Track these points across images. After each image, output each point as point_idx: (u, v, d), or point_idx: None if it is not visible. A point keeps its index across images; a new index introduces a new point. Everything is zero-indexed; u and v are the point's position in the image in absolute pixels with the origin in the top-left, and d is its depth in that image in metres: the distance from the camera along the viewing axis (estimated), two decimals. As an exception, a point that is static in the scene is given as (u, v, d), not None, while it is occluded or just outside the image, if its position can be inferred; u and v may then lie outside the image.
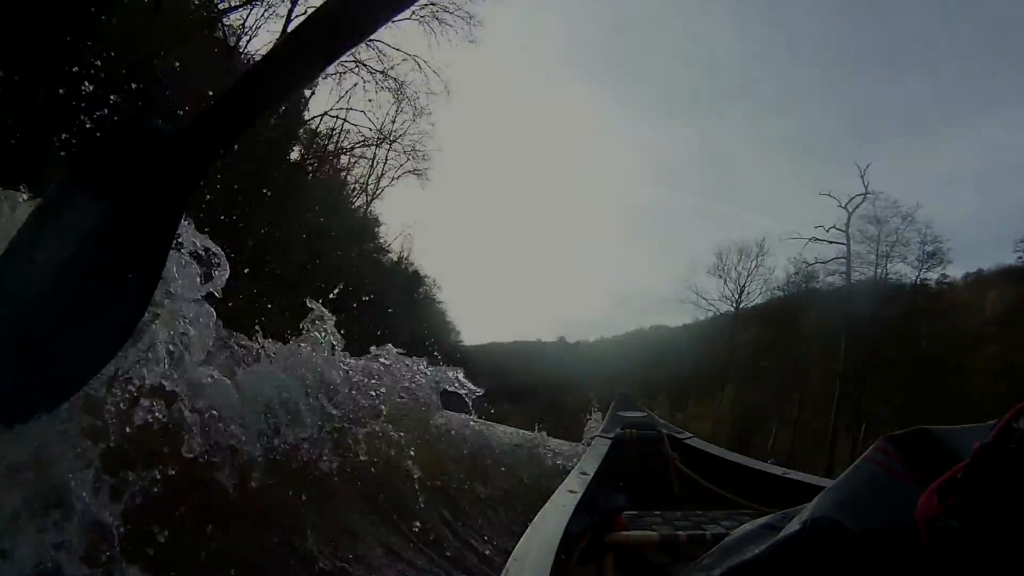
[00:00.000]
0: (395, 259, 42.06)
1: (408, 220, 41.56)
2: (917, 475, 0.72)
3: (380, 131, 32.88)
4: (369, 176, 35.66)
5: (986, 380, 26.68)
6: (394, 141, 34.09)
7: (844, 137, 73.14)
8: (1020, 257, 29.13)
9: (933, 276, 31.83)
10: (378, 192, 36.26)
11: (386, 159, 35.30)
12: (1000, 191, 60.41)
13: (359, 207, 35.99)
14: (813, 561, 0.70)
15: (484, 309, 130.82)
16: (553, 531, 1.32)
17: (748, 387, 36.85)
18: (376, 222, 38.69)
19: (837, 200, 33.88)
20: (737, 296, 42.78)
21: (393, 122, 33.64)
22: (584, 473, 1.95)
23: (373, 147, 33.93)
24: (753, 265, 42.66)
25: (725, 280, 43.20)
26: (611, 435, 2.59)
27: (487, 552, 2.80)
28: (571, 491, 1.67)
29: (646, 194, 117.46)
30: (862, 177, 33.51)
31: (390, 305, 32.20)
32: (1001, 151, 52.42)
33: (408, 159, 35.27)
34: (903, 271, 32.50)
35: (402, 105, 32.23)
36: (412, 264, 44.24)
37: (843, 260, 33.79)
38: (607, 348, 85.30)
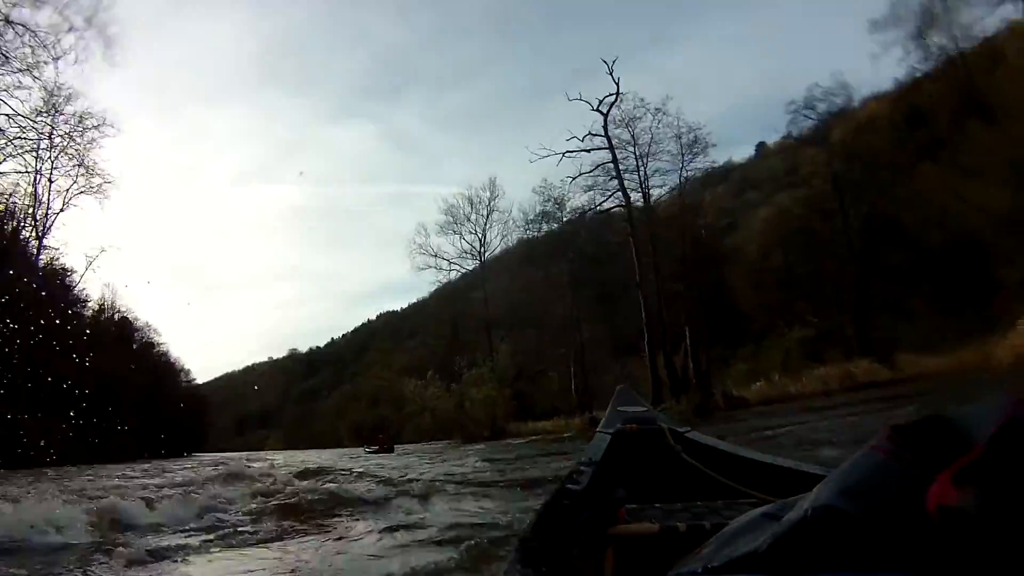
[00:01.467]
0: (96, 309, 36.60)
1: (93, 248, 34.20)
2: (928, 462, 0.67)
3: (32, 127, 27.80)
4: (32, 207, 29.52)
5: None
6: (58, 151, 29.23)
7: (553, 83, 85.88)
8: (791, 121, 27.94)
9: (699, 166, 30.41)
10: (48, 224, 30.08)
11: (51, 178, 29.68)
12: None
13: (24, 248, 29.51)
14: (815, 549, 0.67)
15: (209, 341, 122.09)
16: (555, 525, 1.39)
17: (521, 338, 35.29)
18: (58, 270, 32.15)
19: (589, 104, 30.73)
20: (480, 247, 40.31)
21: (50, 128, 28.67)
22: (585, 467, 2.00)
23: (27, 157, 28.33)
24: (487, 211, 40.25)
25: (460, 236, 40.44)
26: (611, 430, 2.60)
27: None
28: (572, 485, 1.72)
29: (343, 194, 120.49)
30: (611, 74, 30.39)
31: (103, 368, 29.15)
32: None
33: (80, 174, 30.15)
34: (664, 167, 30.50)
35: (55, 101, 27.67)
36: (116, 310, 38.57)
37: (608, 165, 30.97)
38: (343, 346, 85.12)
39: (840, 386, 16.24)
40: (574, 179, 31.63)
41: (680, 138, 29.78)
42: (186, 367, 48.52)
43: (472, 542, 3.33)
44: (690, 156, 29.82)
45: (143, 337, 41.08)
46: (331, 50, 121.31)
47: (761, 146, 43.27)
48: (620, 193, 30.81)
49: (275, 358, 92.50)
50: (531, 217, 36.69)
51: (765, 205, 30.92)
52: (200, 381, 55.44)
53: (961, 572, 0.58)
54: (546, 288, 34.01)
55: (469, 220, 40.47)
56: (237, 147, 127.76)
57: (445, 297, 44.47)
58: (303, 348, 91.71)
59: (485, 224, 40.25)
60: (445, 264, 40.75)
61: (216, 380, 75.72)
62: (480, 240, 40.38)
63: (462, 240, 40.53)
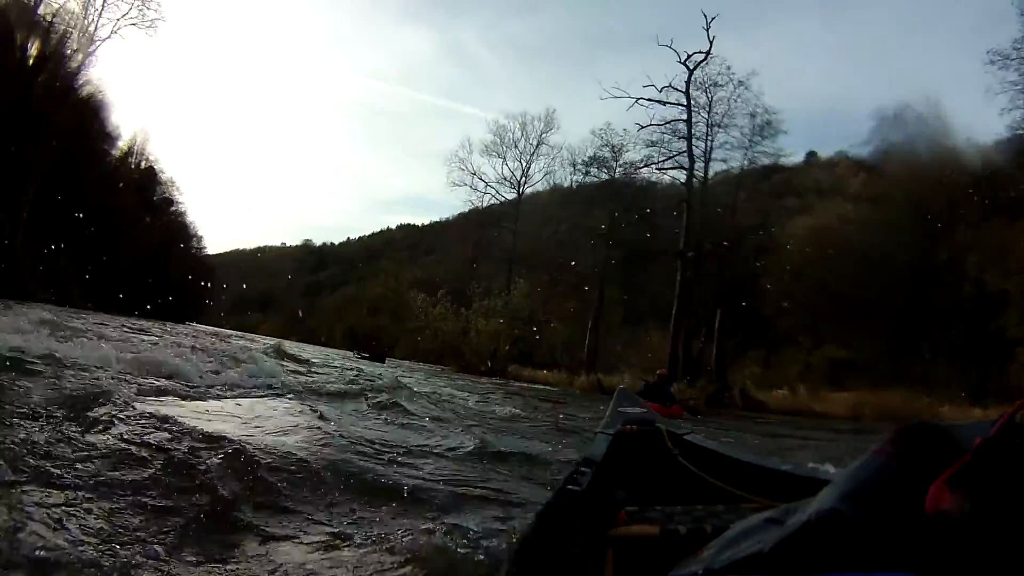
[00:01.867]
0: (122, 151, 35.60)
1: (135, 91, 34.70)
2: (926, 468, 0.71)
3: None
4: (77, 31, 27.05)
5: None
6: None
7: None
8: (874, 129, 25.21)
9: (766, 150, 28.51)
10: (90, 51, 27.78)
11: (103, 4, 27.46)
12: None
13: (68, 75, 27.50)
14: (820, 552, 0.69)
15: (226, 212, 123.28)
16: (554, 526, 1.36)
17: (539, 281, 33.02)
18: (94, 100, 30.67)
19: (678, 54, 28.23)
20: (521, 177, 37.89)
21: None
22: (585, 469, 1.98)
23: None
24: (536, 142, 37.40)
25: (504, 160, 38.10)
26: (612, 431, 2.62)
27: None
28: (572, 487, 1.70)
29: (390, 95, 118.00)
30: (707, 29, 27.73)
31: (118, 215, 28.76)
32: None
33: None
34: (732, 142, 28.40)
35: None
36: (145, 158, 38.36)
37: (679, 125, 28.54)
38: (357, 248, 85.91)
39: (872, 415, 15.34)
40: (643, 127, 28.99)
41: (754, 117, 27.96)
42: (199, 233, 47.51)
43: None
44: (759, 139, 28.13)
45: (164, 191, 40.18)
46: None
47: (812, 155, 41.33)
48: (685, 156, 28.45)
49: (287, 244, 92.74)
50: (583, 158, 34.16)
51: (803, 214, 28.98)
52: (210, 252, 54.88)
53: (958, 572, 0.62)
54: (578, 235, 32.22)
55: (516, 146, 38.10)
56: (295, 28, 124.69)
57: (472, 220, 42.53)
58: (317, 241, 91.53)
59: (532, 155, 37.85)
60: (481, 186, 38.76)
61: (225, 254, 76.38)
62: (523, 170, 38.06)
63: (504, 165, 38.39)
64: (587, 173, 34.07)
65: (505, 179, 38.42)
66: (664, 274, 27.98)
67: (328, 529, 2.42)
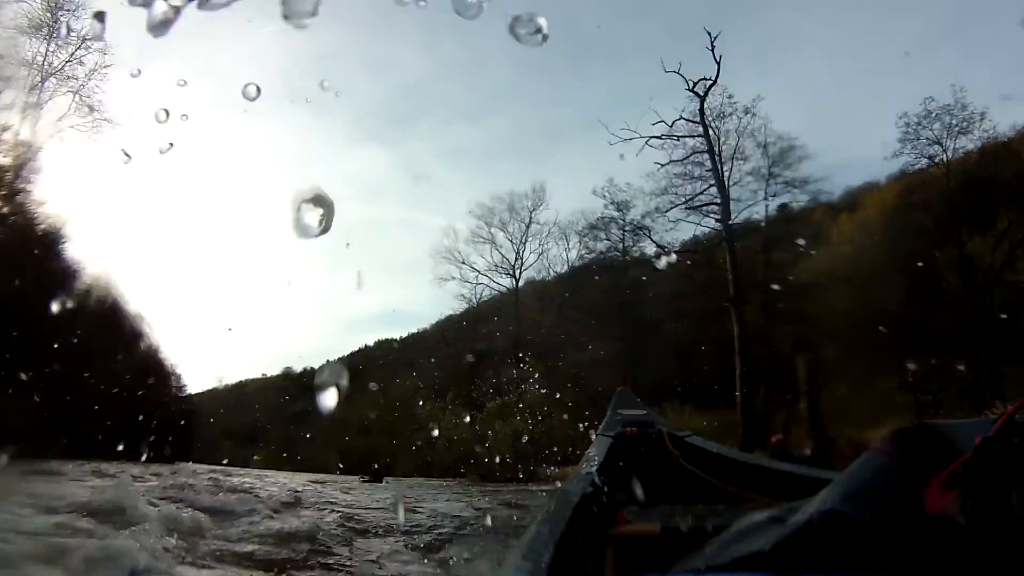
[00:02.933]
0: (84, 287, 32.72)
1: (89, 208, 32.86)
2: (923, 468, 0.72)
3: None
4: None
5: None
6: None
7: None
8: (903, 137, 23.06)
9: (791, 176, 25.06)
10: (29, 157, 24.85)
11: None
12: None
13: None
14: (821, 552, 0.69)
15: (203, 351, 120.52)
16: (556, 526, 1.35)
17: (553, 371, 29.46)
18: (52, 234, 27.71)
19: (687, 80, 25.08)
20: (515, 260, 35.55)
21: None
22: (586, 471, 1.98)
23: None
24: (526, 220, 34.73)
25: (493, 244, 35.53)
26: (612, 433, 2.59)
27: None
28: (573, 488, 1.70)
29: (347, 214, 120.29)
30: (712, 49, 24.74)
31: (85, 353, 25.64)
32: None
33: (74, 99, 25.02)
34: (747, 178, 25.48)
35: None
36: (109, 290, 34.64)
37: (697, 160, 25.46)
38: (336, 370, 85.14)
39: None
40: (663, 166, 25.53)
41: (766, 147, 25.20)
42: (177, 371, 44.32)
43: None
44: (780, 167, 25.28)
45: (133, 327, 36.83)
46: (354, 74, 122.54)
47: (784, 207, 40.34)
48: (714, 189, 25.18)
49: (268, 375, 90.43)
50: (584, 225, 31.51)
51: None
52: (192, 391, 52.30)
53: (955, 572, 0.64)
54: (587, 316, 29.97)
55: (505, 228, 35.54)
56: (251, 156, 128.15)
57: (454, 323, 41.25)
58: (297, 368, 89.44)
59: (524, 234, 35.41)
60: (472, 276, 36.27)
61: (208, 392, 73.97)
62: (516, 251, 35.58)
63: (495, 250, 35.91)
64: (595, 237, 31.41)
65: (497, 266, 36.07)
66: (663, 342, 26.90)
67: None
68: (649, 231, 28.24)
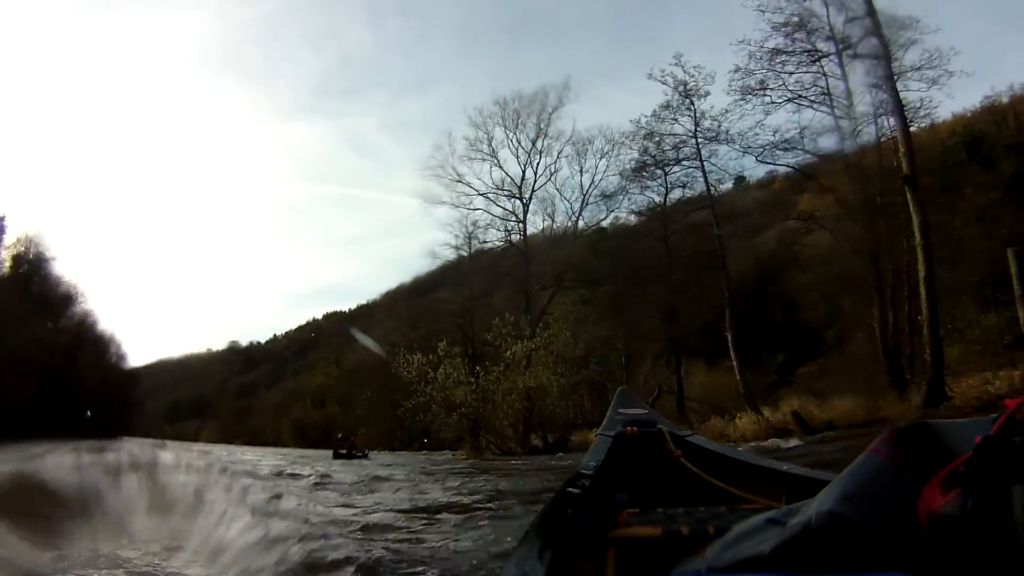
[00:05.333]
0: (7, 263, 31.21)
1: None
2: (921, 469, 0.73)
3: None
4: None
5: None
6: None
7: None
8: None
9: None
10: None
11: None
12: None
13: None
14: (820, 555, 0.70)
15: (146, 322, 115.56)
16: (554, 528, 1.35)
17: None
18: None
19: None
20: (523, 178, 27.93)
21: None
22: (586, 471, 2.00)
23: None
24: (544, 125, 27.42)
25: (495, 161, 27.78)
26: (612, 433, 2.59)
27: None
28: (572, 489, 1.72)
29: (294, 191, 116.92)
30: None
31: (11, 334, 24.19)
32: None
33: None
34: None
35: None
36: (36, 260, 32.88)
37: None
38: (284, 344, 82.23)
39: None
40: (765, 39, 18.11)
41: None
42: (116, 339, 41.43)
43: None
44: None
45: (64, 294, 34.49)
46: (296, 44, 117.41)
47: (741, 180, 37.71)
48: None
49: (214, 349, 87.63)
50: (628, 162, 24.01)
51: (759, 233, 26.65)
52: (135, 364, 50.27)
53: (956, 572, 0.64)
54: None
55: (516, 131, 27.42)
56: (191, 130, 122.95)
57: (409, 290, 38.12)
58: (243, 342, 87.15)
59: (540, 138, 27.45)
60: (468, 199, 27.76)
61: (151, 365, 72.02)
62: (527, 163, 27.70)
63: (495, 169, 27.92)
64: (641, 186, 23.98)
65: (499, 187, 27.99)
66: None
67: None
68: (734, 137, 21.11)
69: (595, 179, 27.10)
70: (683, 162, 22.38)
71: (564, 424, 21.66)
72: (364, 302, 67.99)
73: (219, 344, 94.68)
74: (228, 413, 62.01)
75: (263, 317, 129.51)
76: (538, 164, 27.80)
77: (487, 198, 27.92)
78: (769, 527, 0.81)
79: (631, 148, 24.06)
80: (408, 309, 37.16)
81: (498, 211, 28.08)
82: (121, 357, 41.17)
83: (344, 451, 22.84)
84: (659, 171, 22.90)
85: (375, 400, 34.21)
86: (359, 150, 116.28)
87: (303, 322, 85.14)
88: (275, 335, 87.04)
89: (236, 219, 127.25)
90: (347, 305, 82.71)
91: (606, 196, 26.39)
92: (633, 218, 26.49)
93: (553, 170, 27.71)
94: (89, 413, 22.61)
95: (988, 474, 0.65)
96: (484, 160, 27.88)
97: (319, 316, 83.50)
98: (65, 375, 26.00)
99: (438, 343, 22.87)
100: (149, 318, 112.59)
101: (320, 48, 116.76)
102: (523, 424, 20.99)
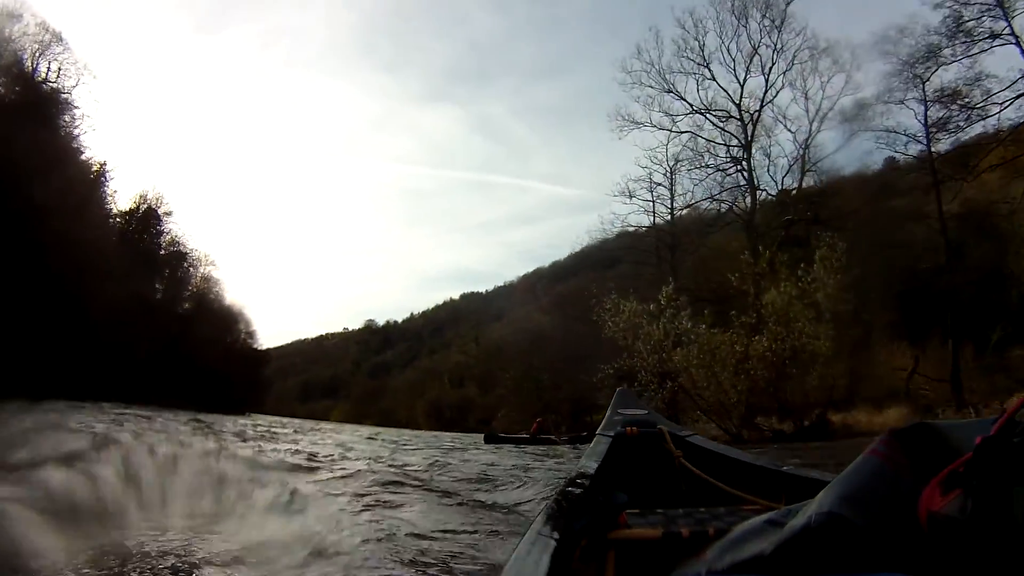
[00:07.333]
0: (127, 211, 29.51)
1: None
2: (921, 469, 0.72)
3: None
4: None
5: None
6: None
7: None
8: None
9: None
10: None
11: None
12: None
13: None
14: (819, 555, 0.69)
15: (281, 305, 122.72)
16: (555, 528, 1.29)
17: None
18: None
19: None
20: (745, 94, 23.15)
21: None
22: (586, 471, 1.96)
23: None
24: (778, 20, 22.52)
25: (707, 70, 23.18)
26: (612, 433, 2.56)
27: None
28: (573, 489, 1.67)
29: (426, 176, 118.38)
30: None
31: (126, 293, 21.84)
32: None
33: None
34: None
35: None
36: (161, 227, 31.62)
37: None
38: (421, 323, 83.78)
39: None
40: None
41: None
42: (246, 316, 40.54)
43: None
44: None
45: (179, 255, 33.09)
46: (427, 32, 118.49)
47: None
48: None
49: (350, 329, 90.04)
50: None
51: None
52: (270, 345, 51.99)
53: (956, 573, 0.64)
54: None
55: (738, 32, 22.48)
56: (327, 118, 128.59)
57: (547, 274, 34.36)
58: (380, 321, 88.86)
59: (774, 35, 22.18)
60: (679, 115, 22.98)
61: (287, 346, 74.80)
62: (743, 82, 22.66)
63: (707, 83, 22.99)
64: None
65: (713, 107, 22.76)
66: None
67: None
68: None
69: (831, 100, 21.66)
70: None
71: (817, 403, 15.45)
72: (501, 283, 69.89)
73: (356, 324, 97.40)
74: (360, 393, 62.48)
75: (398, 298, 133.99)
76: (770, 71, 22.33)
77: (704, 116, 22.73)
78: (769, 528, 0.79)
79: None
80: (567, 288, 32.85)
81: (712, 134, 22.93)
82: (250, 334, 40.42)
83: (526, 435, 16.89)
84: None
85: (518, 378, 31.50)
86: (491, 135, 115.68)
87: (439, 302, 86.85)
88: (412, 314, 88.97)
89: (369, 203, 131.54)
90: (484, 287, 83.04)
91: (847, 118, 20.86)
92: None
93: (783, 83, 22.20)
94: (218, 389, 20.83)
95: (988, 475, 0.64)
96: (691, 75, 22.83)
97: (455, 296, 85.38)
98: (180, 341, 24.62)
99: (664, 287, 17.18)
100: (288, 302, 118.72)
101: (449, 35, 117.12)
102: (776, 399, 15.33)
